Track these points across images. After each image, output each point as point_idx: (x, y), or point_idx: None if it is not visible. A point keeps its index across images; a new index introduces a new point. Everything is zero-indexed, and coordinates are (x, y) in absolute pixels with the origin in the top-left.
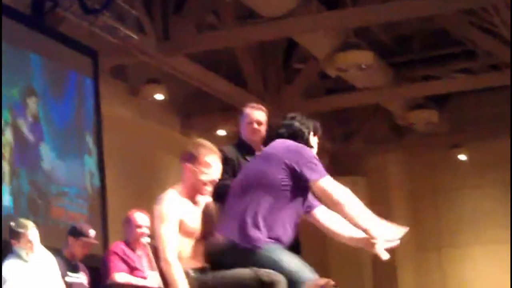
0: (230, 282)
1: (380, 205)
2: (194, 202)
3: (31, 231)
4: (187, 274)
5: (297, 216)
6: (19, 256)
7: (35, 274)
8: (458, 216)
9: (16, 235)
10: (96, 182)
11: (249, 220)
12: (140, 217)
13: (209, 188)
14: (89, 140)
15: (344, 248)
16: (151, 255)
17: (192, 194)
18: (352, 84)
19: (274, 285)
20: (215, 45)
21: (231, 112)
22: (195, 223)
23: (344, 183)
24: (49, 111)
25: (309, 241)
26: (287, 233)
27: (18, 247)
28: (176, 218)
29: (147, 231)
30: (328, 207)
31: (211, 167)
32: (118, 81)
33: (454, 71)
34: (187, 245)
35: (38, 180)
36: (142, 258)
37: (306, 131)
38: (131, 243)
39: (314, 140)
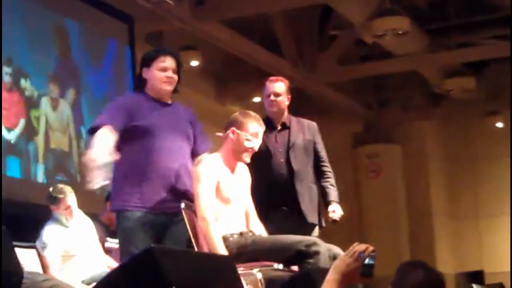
0: (270, 248)
1: (417, 174)
2: (232, 170)
3: (70, 196)
4: (225, 239)
5: None
6: (59, 222)
7: (75, 239)
8: (495, 184)
9: (55, 200)
10: None
11: None
12: None
13: (248, 158)
14: None
15: (380, 216)
16: None
17: (231, 161)
18: (388, 51)
19: (312, 256)
20: (249, 11)
21: (266, 79)
22: (230, 190)
23: (381, 151)
24: (87, 82)
25: (345, 211)
26: None
27: (58, 212)
28: (213, 180)
29: None
30: None
31: (257, 137)
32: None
33: (490, 37)
34: (222, 211)
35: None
36: None
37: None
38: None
39: (151, 72)
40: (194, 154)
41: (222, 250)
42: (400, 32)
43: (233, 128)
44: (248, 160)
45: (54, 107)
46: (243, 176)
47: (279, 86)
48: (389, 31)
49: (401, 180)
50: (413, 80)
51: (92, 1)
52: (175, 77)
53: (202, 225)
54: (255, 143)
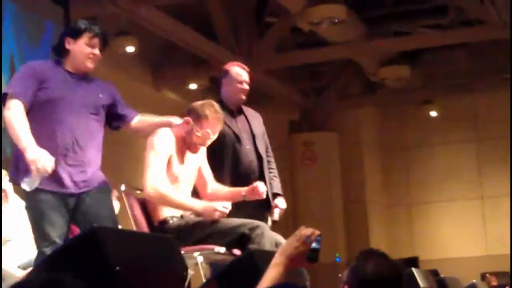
0: (212, 231)
1: (352, 161)
2: (183, 150)
3: (5, 180)
4: (166, 221)
5: None
6: None
7: (10, 223)
8: (428, 172)
9: None
10: None
11: None
12: None
13: (194, 151)
14: None
15: (315, 203)
16: None
17: (181, 146)
18: (324, 39)
19: (255, 239)
20: None
21: (202, 66)
22: (180, 168)
23: (316, 139)
24: (24, 58)
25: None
26: None
27: None
28: (166, 152)
29: None
30: None
31: (208, 138)
32: None
33: (426, 26)
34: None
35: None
36: None
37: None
38: None
39: (77, 45)
40: (125, 120)
41: (194, 204)
42: (336, 20)
43: (189, 119)
44: (192, 151)
45: None
46: (193, 156)
47: (248, 75)
48: (326, 19)
49: (337, 167)
50: (350, 68)
51: None
52: (99, 55)
53: (154, 195)
54: (205, 141)
